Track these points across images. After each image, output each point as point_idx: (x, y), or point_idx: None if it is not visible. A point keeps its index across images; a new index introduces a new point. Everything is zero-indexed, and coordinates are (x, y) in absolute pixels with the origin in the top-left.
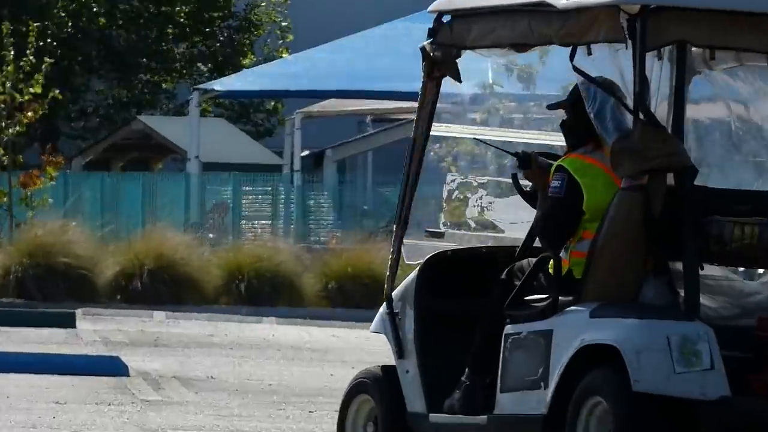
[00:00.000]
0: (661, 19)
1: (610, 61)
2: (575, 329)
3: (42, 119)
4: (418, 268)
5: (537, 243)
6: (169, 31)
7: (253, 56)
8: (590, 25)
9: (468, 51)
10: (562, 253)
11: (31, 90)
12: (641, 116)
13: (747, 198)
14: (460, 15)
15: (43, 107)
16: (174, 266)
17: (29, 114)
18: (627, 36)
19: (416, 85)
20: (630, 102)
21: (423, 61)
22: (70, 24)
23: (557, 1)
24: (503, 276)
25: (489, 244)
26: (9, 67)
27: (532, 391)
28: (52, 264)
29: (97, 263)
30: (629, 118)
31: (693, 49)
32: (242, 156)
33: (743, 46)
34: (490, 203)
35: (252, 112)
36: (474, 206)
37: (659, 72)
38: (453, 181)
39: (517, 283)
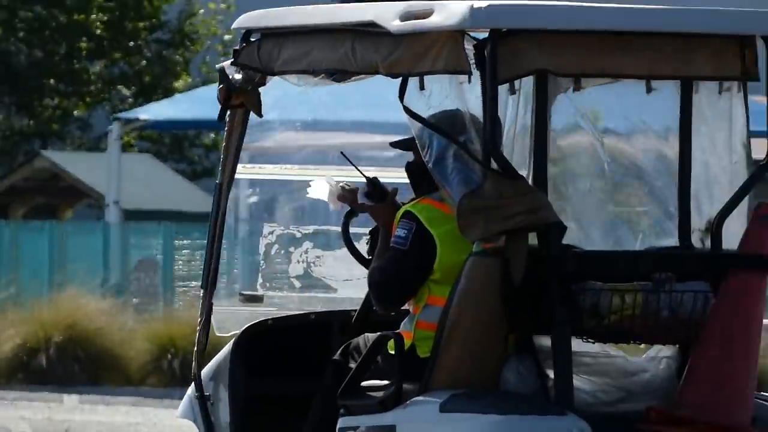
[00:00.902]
0: (518, 45)
1: (453, 95)
2: (424, 426)
3: None
4: (232, 341)
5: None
6: (83, 45)
7: (188, 77)
8: (426, 52)
9: (276, 77)
10: (404, 325)
11: None
12: (494, 165)
13: (626, 260)
14: (271, 34)
15: None
16: (89, 339)
17: None
18: (474, 66)
19: (393, 115)
20: (478, 146)
21: (219, 85)
22: None
23: (389, 23)
24: (337, 356)
25: (319, 309)
26: None
27: None
28: None
29: None
30: (478, 168)
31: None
32: (174, 202)
33: (616, 72)
34: (318, 257)
35: (187, 147)
36: (298, 262)
37: (514, 108)
38: (271, 233)
39: (353, 364)
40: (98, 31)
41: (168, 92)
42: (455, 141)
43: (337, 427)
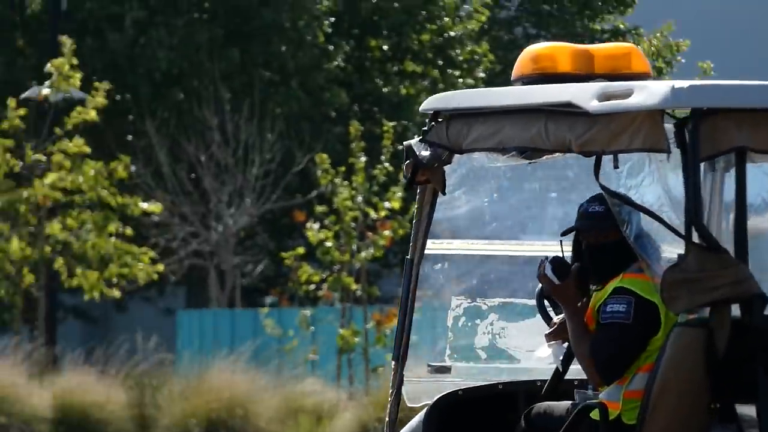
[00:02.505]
0: (718, 123)
1: (644, 173)
2: None
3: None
4: (424, 411)
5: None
6: None
7: None
8: (623, 131)
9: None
10: (608, 395)
11: (387, 205)
12: (697, 239)
13: None
14: (460, 114)
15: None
16: None
17: (385, 234)
18: (674, 145)
19: None
20: (676, 219)
21: (405, 161)
22: None
23: (587, 103)
24: (522, 426)
25: (504, 380)
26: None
27: None
28: None
29: None
30: (678, 241)
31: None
32: None
33: None
34: (503, 329)
35: None
36: (484, 333)
37: (711, 185)
38: (458, 306)
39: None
40: None
41: None
42: (656, 216)
43: None
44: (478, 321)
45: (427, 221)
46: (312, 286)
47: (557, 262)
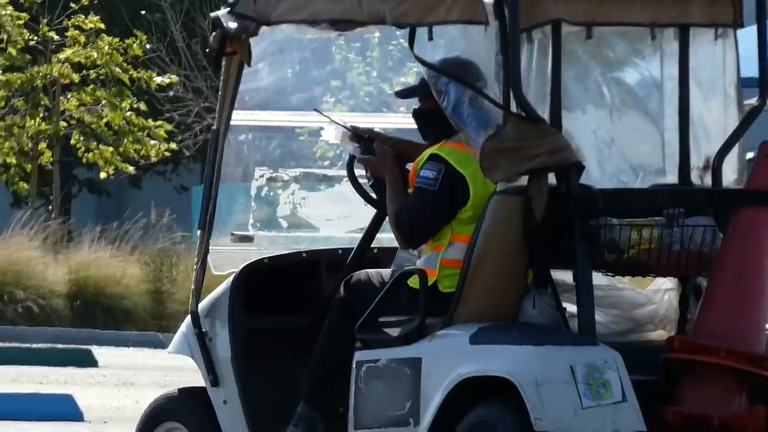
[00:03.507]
0: None
1: (461, 45)
2: (452, 358)
3: None
4: (230, 279)
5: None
6: None
7: None
8: (438, 3)
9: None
10: (424, 262)
11: None
12: (516, 109)
13: (639, 197)
14: None
15: None
16: None
17: None
18: (492, 17)
19: None
20: (495, 89)
21: (212, 34)
22: None
23: None
24: (342, 293)
25: (307, 248)
26: None
27: (398, 428)
28: None
29: None
30: (496, 111)
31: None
32: None
33: (623, 20)
34: (304, 199)
35: None
36: (286, 203)
37: (529, 57)
38: (261, 176)
39: (361, 299)
40: None
41: None
42: (473, 87)
43: (354, 360)
44: (279, 191)
45: (232, 93)
46: None
47: (356, 137)
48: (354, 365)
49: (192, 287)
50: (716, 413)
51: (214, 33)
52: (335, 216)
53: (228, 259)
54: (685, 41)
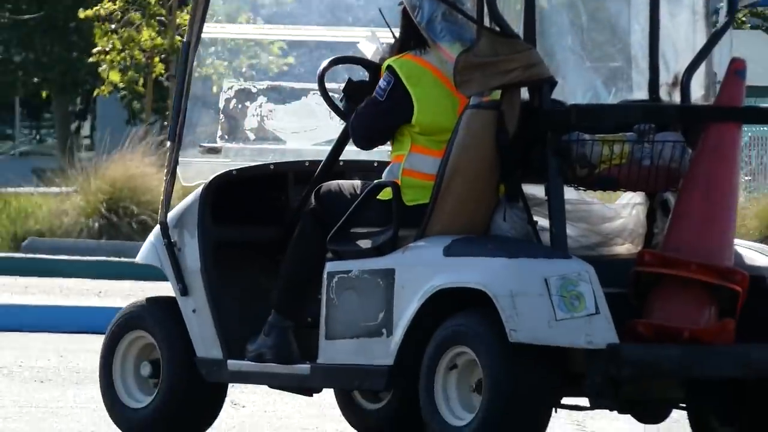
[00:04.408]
0: None
1: None
2: (427, 269)
3: None
4: (199, 190)
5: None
6: None
7: None
8: None
9: None
10: (387, 174)
11: None
12: (490, 24)
13: (611, 112)
14: None
15: None
16: None
17: None
18: None
19: None
20: (469, 3)
21: None
22: None
23: None
24: (312, 203)
25: (274, 160)
26: None
27: (371, 338)
28: None
29: None
30: (470, 25)
31: None
32: None
33: None
34: (271, 111)
35: None
36: (253, 115)
37: None
38: (230, 88)
39: (331, 209)
40: None
41: None
42: (446, 1)
43: (326, 271)
44: (248, 103)
45: (204, 5)
46: None
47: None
48: (325, 276)
49: (161, 198)
50: (687, 325)
51: None
52: (302, 129)
53: (197, 170)
54: None
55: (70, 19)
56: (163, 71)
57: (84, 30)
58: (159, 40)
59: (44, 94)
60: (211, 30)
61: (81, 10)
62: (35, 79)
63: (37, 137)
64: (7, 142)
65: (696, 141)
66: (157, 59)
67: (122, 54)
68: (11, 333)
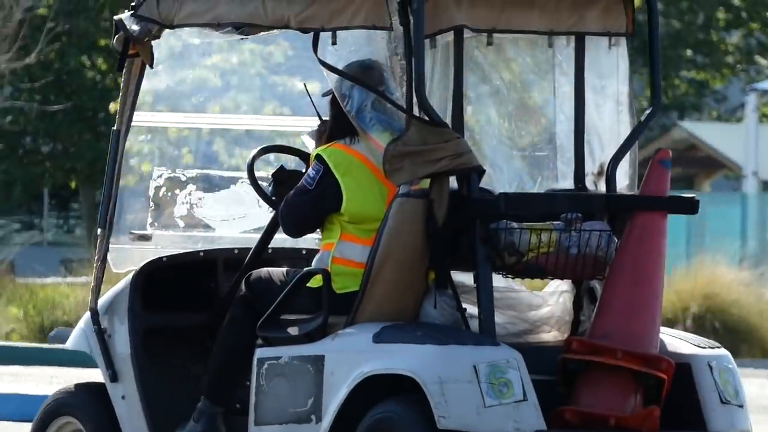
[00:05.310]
0: (439, 2)
1: (364, 49)
2: (356, 356)
3: None
4: (129, 276)
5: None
6: (720, 15)
7: None
8: (343, 8)
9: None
10: (317, 262)
11: None
12: (419, 113)
13: (539, 201)
14: None
15: None
16: (726, 310)
17: None
18: (397, 23)
19: None
20: (398, 93)
21: (115, 35)
22: None
23: None
24: (243, 290)
25: (204, 248)
26: None
27: (300, 425)
28: None
29: None
30: (399, 115)
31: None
32: None
33: (522, 27)
34: (200, 199)
35: None
36: (183, 203)
37: (432, 62)
38: (160, 176)
39: (261, 296)
40: (736, 1)
41: None
42: (376, 91)
43: (256, 357)
44: (177, 191)
45: (134, 94)
46: None
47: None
48: (255, 362)
49: (92, 284)
50: (613, 413)
51: (117, 35)
52: (231, 216)
53: (128, 257)
54: (581, 49)
55: (99, 109)
56: (191, 161)
57: (112, 121)
58: (186, 131)
59: (72, 184)
60: (141, 118)
61: (112, 104)
62: (63, 169)
63: (65, 227)
64: (36, 232)
65: (622, 230)
66: (186, 149)
67: (150, 145)
68: None
